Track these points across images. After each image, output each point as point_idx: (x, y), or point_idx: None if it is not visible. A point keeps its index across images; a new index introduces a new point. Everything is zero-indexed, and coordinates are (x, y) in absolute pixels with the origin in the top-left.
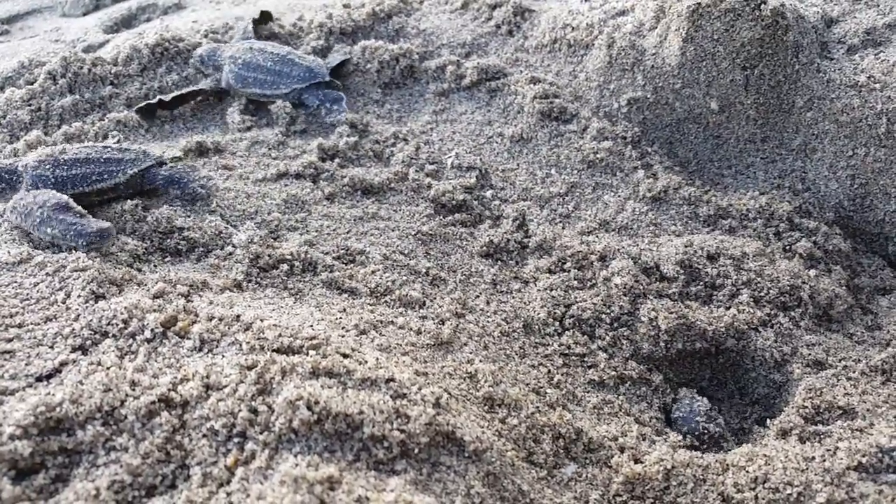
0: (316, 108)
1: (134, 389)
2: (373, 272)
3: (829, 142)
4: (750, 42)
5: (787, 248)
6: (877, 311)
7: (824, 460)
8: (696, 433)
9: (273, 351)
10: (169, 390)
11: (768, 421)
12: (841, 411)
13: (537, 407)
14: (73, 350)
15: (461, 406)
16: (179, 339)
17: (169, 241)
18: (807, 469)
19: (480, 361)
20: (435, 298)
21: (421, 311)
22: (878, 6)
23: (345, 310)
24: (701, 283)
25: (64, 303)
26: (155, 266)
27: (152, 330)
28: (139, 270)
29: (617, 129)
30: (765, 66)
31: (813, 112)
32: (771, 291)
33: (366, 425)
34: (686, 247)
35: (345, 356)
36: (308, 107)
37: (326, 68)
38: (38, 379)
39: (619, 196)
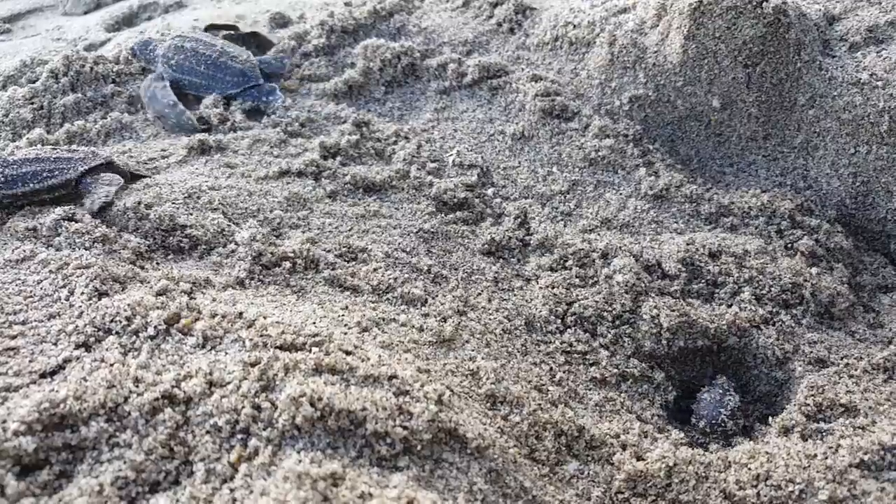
0: (254, 104)
1: (137, 386)
2: (375, 270)
3: (831, 139)
4: (752, 40)
5: (789, 245)
6: (878, 309)
7: (826, 458)
8: (713, 423)
9: (276, 348)
10: (172, 387)
11: (770, 418)
12: (843, 409)
13: (539, 404)
14: (77, 347)
15: (463, 403)
16: (182, 337)
17: (171, 238)
18: (809, 466)
19: (482, 359)
20: (437, 296)
21: (423, 308)
22: (881, 4)
23: (347, 307)
24: (703, 281)
25: (67, 300)
26: (158, 264)
27: (155, 327)
28: (142, 268)
29: (618, 126)
30: (766, 64)
31: (815, 110)
32: (773, 289)
33: (369, 422)
34: (688, 244)
35: (347, 353)
36: (244, 102)
37: (258, 70)
38: (42, 375)
39: (620, 194)
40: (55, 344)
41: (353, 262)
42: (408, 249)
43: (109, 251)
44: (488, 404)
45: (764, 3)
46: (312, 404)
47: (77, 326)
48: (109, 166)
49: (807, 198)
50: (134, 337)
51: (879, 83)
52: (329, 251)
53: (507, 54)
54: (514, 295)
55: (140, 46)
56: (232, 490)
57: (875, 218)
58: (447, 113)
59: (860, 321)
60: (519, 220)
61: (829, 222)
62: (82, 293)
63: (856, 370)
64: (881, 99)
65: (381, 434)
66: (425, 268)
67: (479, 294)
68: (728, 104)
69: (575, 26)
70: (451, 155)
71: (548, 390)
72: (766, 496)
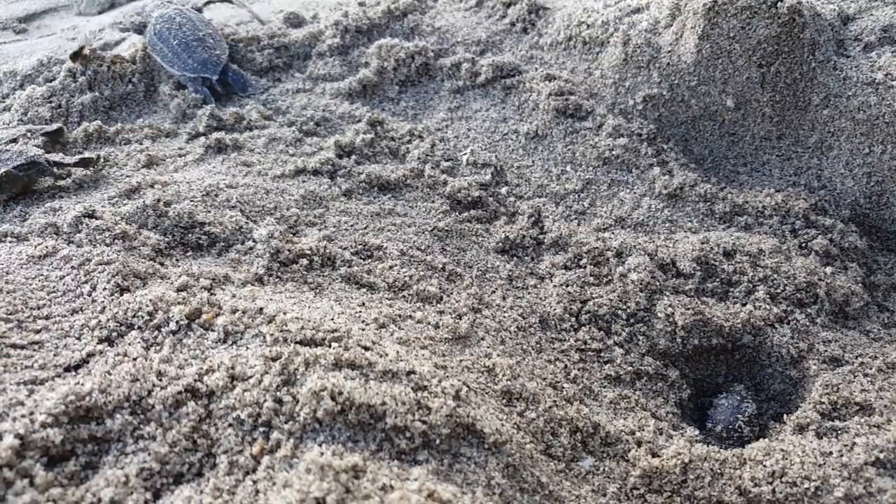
0: (232, 89)
1: (161, 380)
2: (390, 267)
3: (846, 139)
4: (766, 39)
5: (804, 245)
6: (893, 309)
7: (842, 455)
8: (730, 429)
9: (296, 343)
10: (195, 381)
11: (785, 416)
12: (858, 407)
13: (554, 401)
14: (100, 341)
15: (480, 399)
16: (204, 331)
17: (190, 235)
18: (824, 464)
19: (498, 356)
20: (452, 293)
21: (438, 305)
22: (895, 3)
23: (364, 304)
24: (717, 280)
25: (90, 295)
26: (177, 260)
27: (177, 322)
28: (162, 264)
29: (632, 126)
30: (781, 64)
31: (829, 109)
32: (787, 288)
33: (388, 416)
34: (702, 243)
35: (366, 349)
36: (228, 85)
37: (221, 67)
38: (67, 369)
39: (634, 193)
40: (79, 338)
41: (369, 260)
42: (422, 247)
43: (130, 248)
44: (504, 400)
45: (779, 3)
46: (333, 398)
47: (100, 321)
48: (33, 165)
49: (821, 197)
50: (156, 332)
51: (894, 83)
52: (345, 249)
53: (520, 54)
54: (529, 293)
55: (151, 7)
56: (255, 482)
57: (889, 218)
58: (461, 112)
59: (874, 320)
60: (533, 218)
61: (843, 222)
62: (104, 289)
63: (870, 369)
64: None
65: (400, 428)
66: (440, 266)
67: (494, 292)
68: (742, 104)
69: (588, 26)
70: (465, 154)
71: (563, 387)
72: (781, 493)
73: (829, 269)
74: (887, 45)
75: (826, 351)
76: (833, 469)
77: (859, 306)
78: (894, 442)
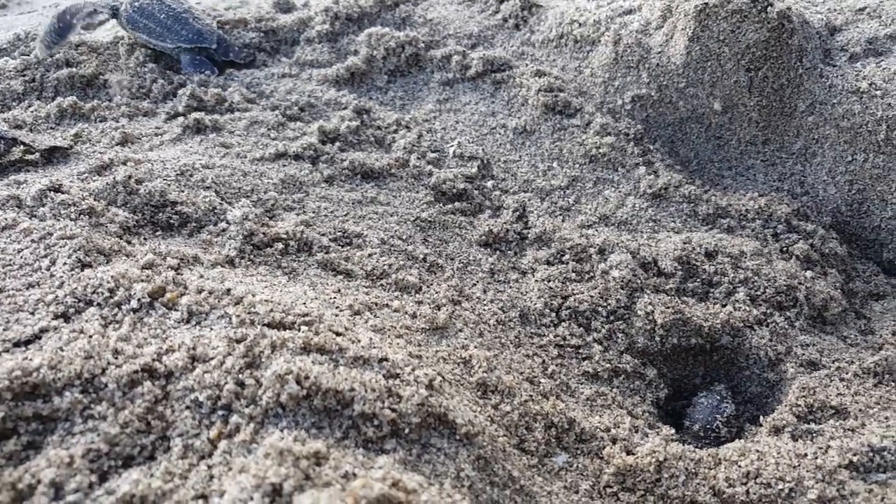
0: (185, 70)
1: (116, 358)
2: (369, 255)
3: (829, 147)
4: (755, 44)
5: (785, 249)
6: (870, 316)
7: (816, 458)
8: (708, 428)
9: (264, 325)
10: (153, 360)
11: (761, 418)
12: (833, 411)
13: (530, 395)
14: (56, 317)
15: (454, 390)
16: (167, 310)
17: (161, 214)
18: (799, 466)
19: (475, 348)
20: (431, 284)
21: (417, 295)
22: (881, 17)
23: (339, 290)
24: (698, 280)
25: (48, 270)
26: (145, 239)
27: (139, 300)
28: (129, 242)
29: (620, 125)
30: (769, 69)
31: (814, 116)
32: (767, 290)
33: (356, 403)
34: (685, 243)
35: (338, 334)
36: (181, 64)
37: (217, 37)
38: (16, 344)
39: (619, 191)
40: (32, 313)
41: (348, 247)
42: (404, 237)
43: (96, 224)
44: (479, 392)
45: (768, 8)
46: (298, 382)
47: (57, 297)
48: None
49: (803, 203)
50: (116, 309)
51: (878, 92)
52: (323, 235)
53: (511, 49)
54: (510, 287)
55: None
56: (210, 466)
57: (869, 226)
58: (449, 104)
59: (852, 326)
60: (517, 213)
61: (824, 228)
62: (65, 263)
63: (847, 373)
64: (879, 108)
65: (368, 415)
66: (421, 256)
67: (475, 284)
68: (729, 107)
69: (580, 24)
70: (452, 146)
71: (539, 382)
72: (755, 494)
73: (808, 274)
74: (872, 57)
75: (804, 354)
76: (807, 471)
77: (837, 312)
78: (868, 445)
